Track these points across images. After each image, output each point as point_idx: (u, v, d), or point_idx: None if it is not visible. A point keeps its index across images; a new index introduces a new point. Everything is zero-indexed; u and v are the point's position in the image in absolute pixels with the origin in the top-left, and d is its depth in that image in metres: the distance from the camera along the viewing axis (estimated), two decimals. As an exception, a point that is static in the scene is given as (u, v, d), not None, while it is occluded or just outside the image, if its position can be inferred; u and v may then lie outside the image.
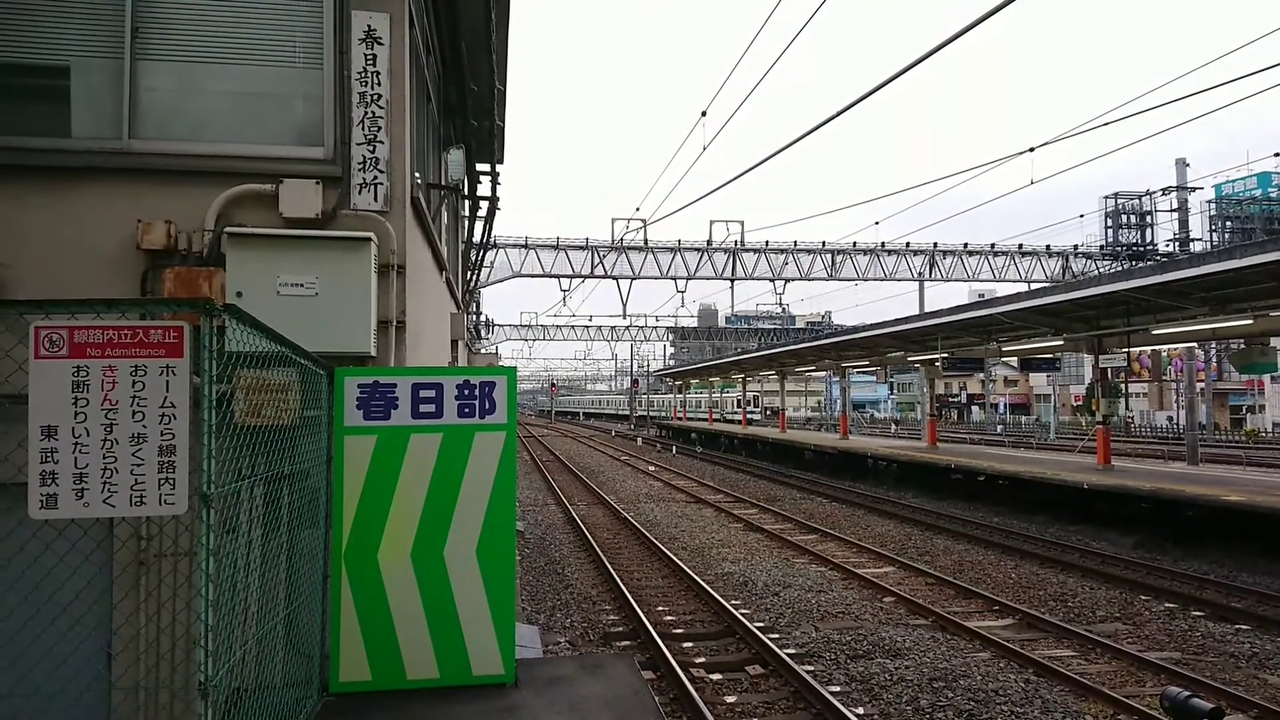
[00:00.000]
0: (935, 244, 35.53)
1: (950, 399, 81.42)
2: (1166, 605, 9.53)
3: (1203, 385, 33.34)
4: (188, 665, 4.17)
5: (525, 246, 30.39)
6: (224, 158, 4.96)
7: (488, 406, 4.31)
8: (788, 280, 35.29)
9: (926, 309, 31.32)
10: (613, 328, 55.92)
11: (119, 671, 4.15)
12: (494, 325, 51.90)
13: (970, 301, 23.74)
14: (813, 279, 35.37)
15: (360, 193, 5.05)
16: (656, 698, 6.47)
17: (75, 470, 2.70)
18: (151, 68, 4.97)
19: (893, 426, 59.57)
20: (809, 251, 34.83)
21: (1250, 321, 13.24)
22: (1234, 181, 53.53)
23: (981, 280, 37.04)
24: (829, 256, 35.23)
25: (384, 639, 4.23)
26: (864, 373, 43.45)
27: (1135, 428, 50.07)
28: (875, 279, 36.05)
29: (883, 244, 35.33)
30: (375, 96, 5.29)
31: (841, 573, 11.31)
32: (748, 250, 33.69)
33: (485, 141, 9.93)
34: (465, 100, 8.92)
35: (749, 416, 48.52)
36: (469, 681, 4.28)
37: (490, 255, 28.35)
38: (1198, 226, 43.64)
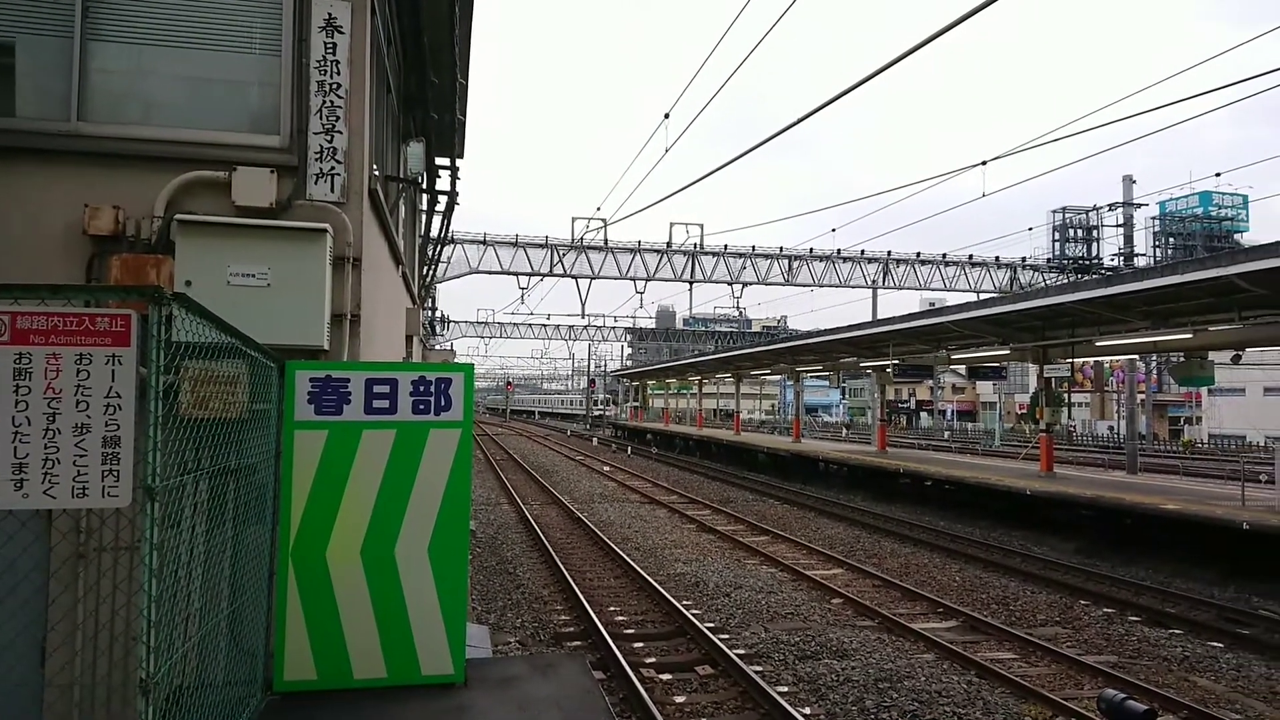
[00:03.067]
0: (889, 252, 36.14)
1: (900, 405, 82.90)
2: (1105, 610, 9.82)
3: (1143, 396, 34.45)
4: (127, 662, 4.06)
5: (484, 243, 30.15)
6: (176, 143, 4.84)
7: (443, 403, 4.28)
8: (745, 284, 35.58)
9: (879, 316, 31.83)
10: (571, 327, 55.84)
11: (54, 668, 4.02)
12: (450, 322, 51.39)
13: (921, 310, 24.21)
14: (770, 283, 35.71)
15: (316, 183, 4.97)
16: (606, 698, 6.48)
17: (15, 460, 2.62)
18: (102, 48, 4.83)
19: (844, 431, 60.38)
20: (767, 256, 35.16)
21: (1190, 335, 13.72)
22: (1177, 199, 55.44)
23: (933, 289, 37.77)
24: (786, 262, 35.60)
25: (330, 637, 4.17)
26: (817, 377, 44.04)
27: (1077, 436, 51.51)
28: (830, 285, 36.54)
29: (838, 251, 35.82)
30: (334, 86, 5.21)
31: (791, 574, 11.44)
32: (707, 253, 33.88)
33: (446, 135, 9.83)
34: (426, 93, 8.83)
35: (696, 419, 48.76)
36: (418, 681, 4.24)
37: (448, 251, 28.08)
38: (1142, 242, 45.12)
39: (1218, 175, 42.77)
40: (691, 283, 34.56)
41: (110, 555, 4.14)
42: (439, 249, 13.13)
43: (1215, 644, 8.43)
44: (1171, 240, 55.06)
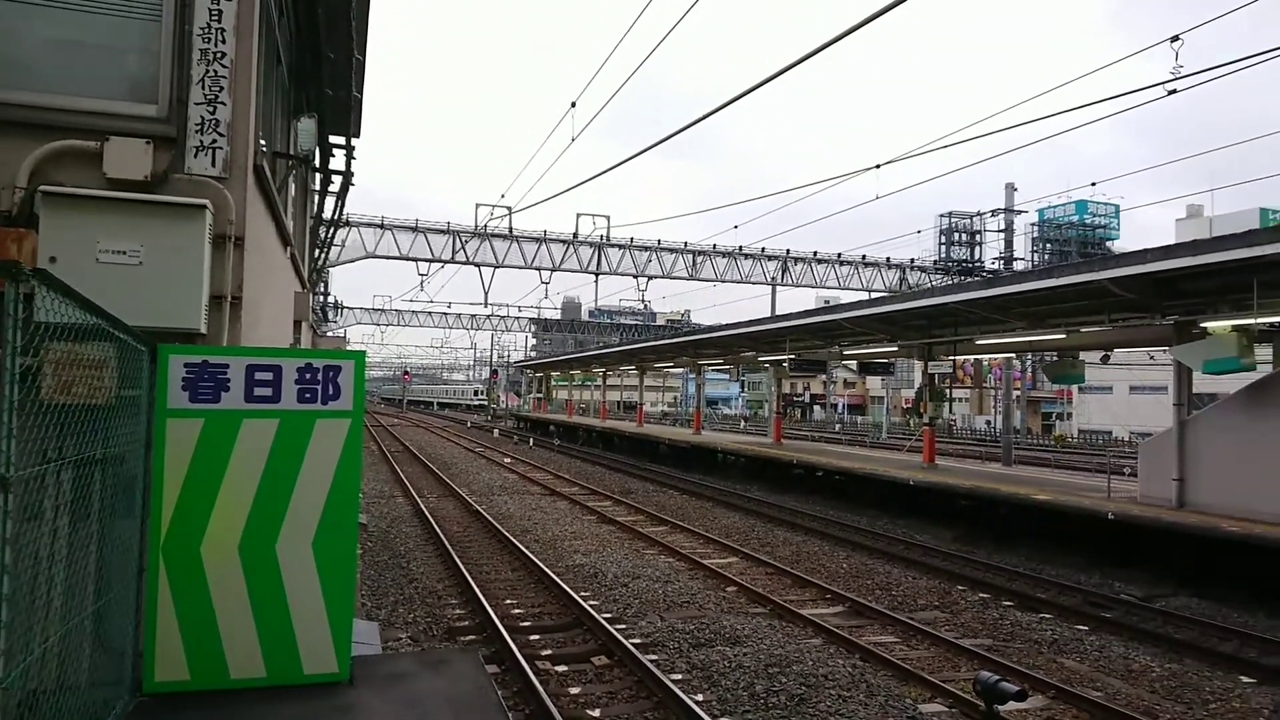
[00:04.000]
0: (788, 251, 37.02)
1: (795, 398, 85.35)
2: (981, 595, 10.38)
3: (1019, 393, 36.53)
4: (-28, 668, 3.74)
5: (381, 226, 29.19)
6: (43, 109, 4.49)
7: (331, 392, 4.11)
8: (650, 277, 35.76)
9: (778, 312, 32.62)
10: (473, 316, 54.80)
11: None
12: (344, 307, 49.65)
13: (817, 307, 24.94)
14: (674, 277, 36.01)
15: (196, 156, 4.70)
16: (500, 692, 6.42)
17: None
18: (-45, 2, 4.43)
19: (742, 423, 61.72)
20: (672, 251, 35.45)
21: (1063, 336, 14.62)
22: (1055, 207, 59.01)
23: (828, 287, 38.94)
24: (690, 257, 35.97)
25: (205, 636, 3.96)
26: (719, 371, 44.81)
27: (958, 430, 54.29)
28: (733, 281, 37.15)
29: (740, 248, 36.46)
30: (219, 55, 4.94)
31: (688, 563, 11.61)
32: (613, 245, 33.88)
33: (341, 113, 9.46)
34: (320, 68, 8.48)
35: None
36: (300, 680, 4.08)
37: (342, 234, 27.07)
38: (1022, 247, 47.82)
39: (1093, 185, 45.71)
40: (597, 274, 34.50)
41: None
42: (332, 231, 12.66)
43: (1081, 627, 9.02)
44: (1049, 246, 58.63)
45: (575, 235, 31.08)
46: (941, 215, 46.50)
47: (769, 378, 35.30)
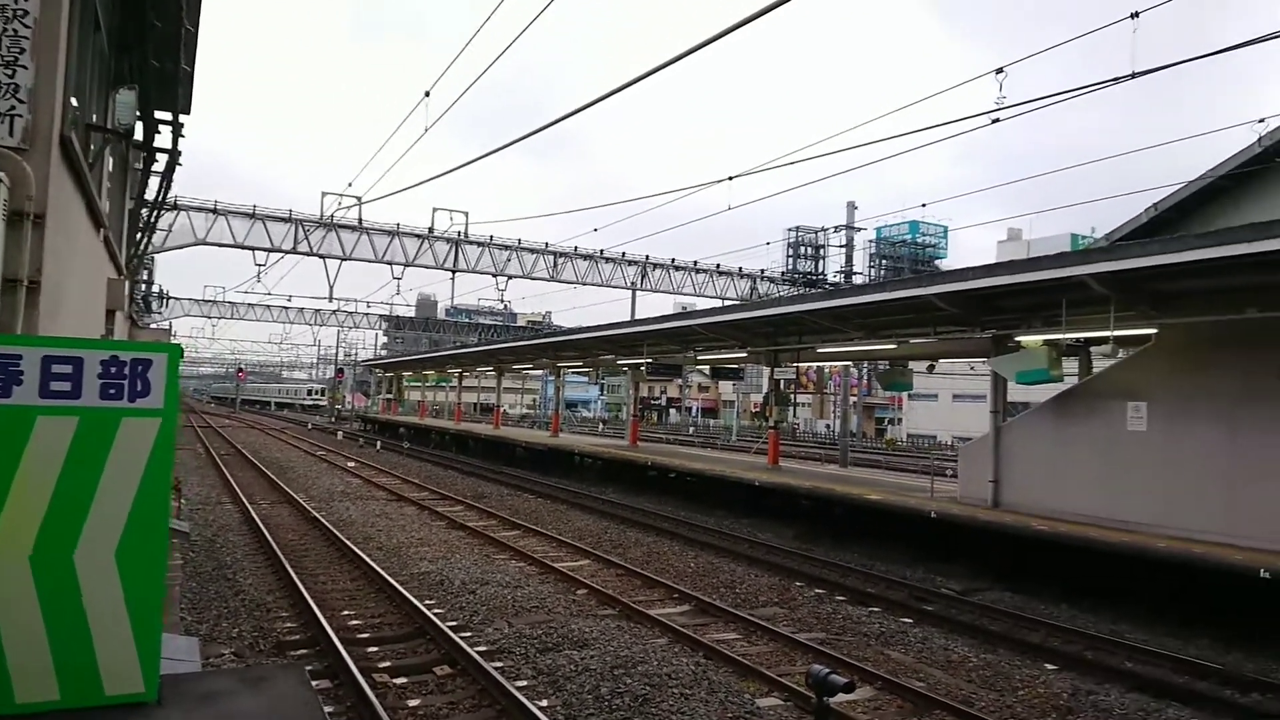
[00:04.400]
0: (647, 256, 37.59)
1: (652, 401, 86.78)
2: (817, 591, 10.88)
3: (855, 399, 38.72)
4: None
5: (214, 212, 27.19)
6: None
7: (140, 388, 3.75)
8: (510, 277, 35.29)
9: (637, 316, 33.03)
10: (317, 310, 52.18)
11: None
12: (170, 298, 46.03)
13: (674, 312, 25.44)
14: (535, 278, 35.71)
15: (-12, 123, 4.19)
16: (330, 708, 6.10)
17: None
18: None
19: (600, 425, 62.05)
20: (533, 251, 35.14)
21: (894, 346, 15.61)
22: (891, 226, 63.08)
23: (685, 294, 39.88)
24: (551, 258, 35.80)
25: (-16, 659, 3.50)
26: (578, 373, 44.79)
27: (801, 433, 56.95)
28: (593, 284, 37.28)
29: (601, 251, 36.66)
30: (19, 13, 4.44)
31: (540, 567, 11.50)
32: (471, 242, 33.18)
33: (168, 87, 8.71)
34: (146, 36, 7.79)
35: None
36: (100, 702, 3.68)
37: (169, 218, 25.06)
38: (861, 262, 50.74)
39: (923, 206, 49.30)
40: (454, 271, 33.66)
41: None
42: (156, 214, 11.65)
43: (906, 620, 9.62)
44: (885, 262, 62.57)
45: (431, 230, 30.20)
46: (790, 229, 48.67)
47: (628, 381, 35.67)
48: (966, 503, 12.82)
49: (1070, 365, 12.68)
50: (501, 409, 40.30)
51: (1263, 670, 7.89)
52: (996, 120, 9.90)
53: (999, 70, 9.47)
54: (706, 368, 29.00)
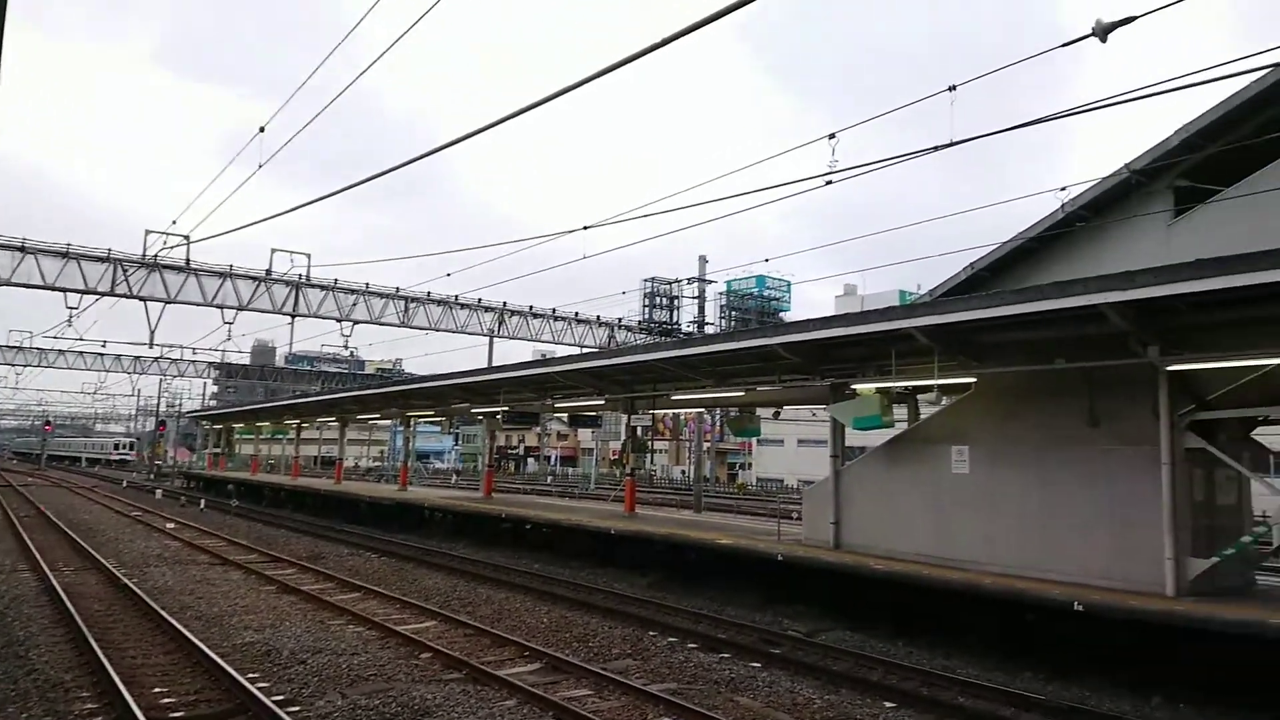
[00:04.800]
0: (505, 303, 37.20)
1: (510, 450, 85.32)
2: (669, 639, 10.81)
3: (709, 445, 39.59)
4: None
5: (22, 250, 24.61)
6: None
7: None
8: (357, 322, 33.85)
9: (495, 364, 32.47)
10: (137, 358, 48.00)
11: None
12: (-35, 343, 41.15)
13: (532, 359, 25.21)
14: (384, 323, 34.41)
15: None
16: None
17: None
18: None
19: (453, 477, 60.20)
20: (382, 295, 33.92)
21: (743, 393, 16.05)
22: (740, 280, 65.76)
23: (543, 341, 39.65)
24: (402, 303, 34.68)
25: None
26: (431, 422, 43.34)
27: (658, 479, 57.53)
28: (447, 330, 36.39)
29: (456, 297, 35.93)
30: None
31: (380, 631, 10.81)
32: (314, 286, 31.62)
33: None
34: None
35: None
36: None
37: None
38: (712, 313, 52.41)
39: (766, 260, 51.82)
40: (294, 316, 31.89)
41: None
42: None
43: (755, 664, 9.68)
44: (734, 313, 64.95)
45: (269, 272, 28.60)
46: (646, 280, 49.67)
47: (484, 430, 34.85)
48: (811, 544, 13.22)
49: (901, 412, 13.45)
50: (345, 462, 38.30)
51: (1079, 699, 8.47)
52: (830, 182, 10.50)
53: (832, 135, 10.07)
54: (565, 415, 28.81)
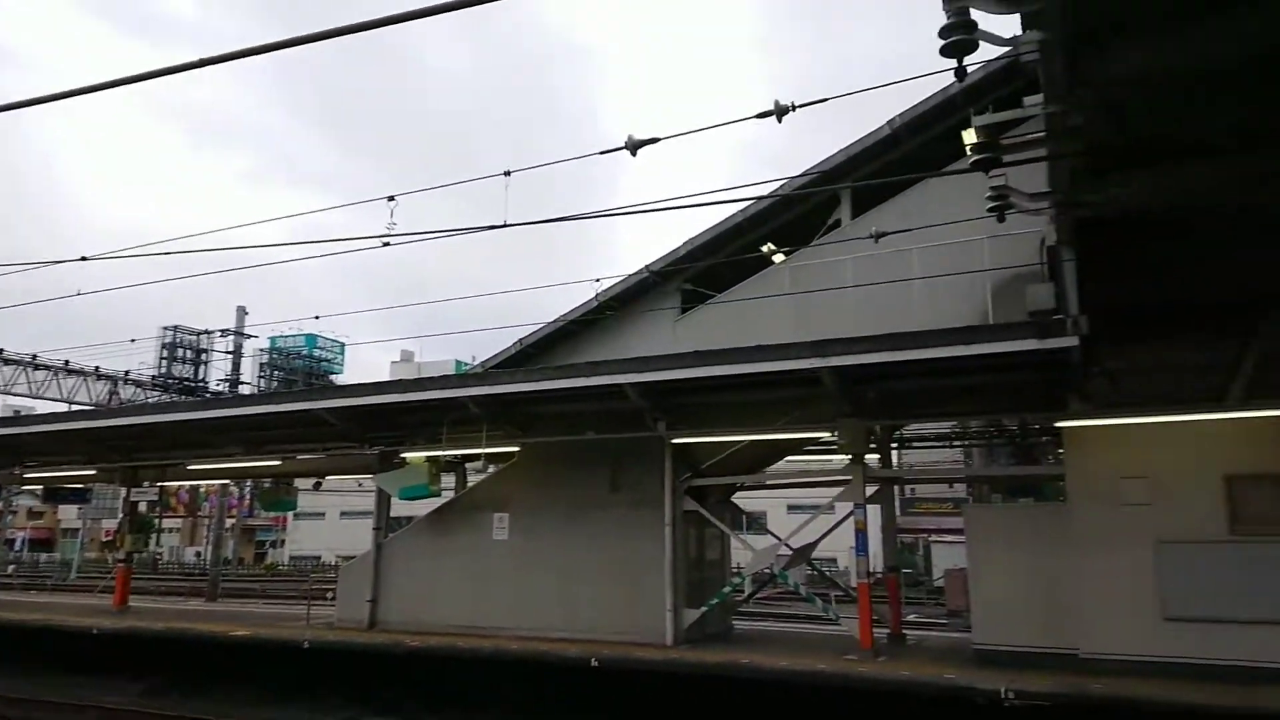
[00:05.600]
0: (-41, 345, 29.31)
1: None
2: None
3: (234, 521, 35.44)
4: None
5: None
6: None
7: None
8: None
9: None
10: None
11: None
12: None
13: (9, 416, 20.00)
14: None
15: None
16: None
17: None
18: None
19: None
20: None
21: (280, 462, 14.64)
22: (288, 336, 61.01)
23: (17, 394, 32.05)
24: None
25: None
26: None
27: (165, 564, 49.59)
28: None
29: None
30: None
31: None
32: None
33: None
34: None
35: None
36: None
37: None
38: (250, 371, 47.59)
39: (317, 318, 49.02)
40: None
41: None
42: None
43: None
44: (279, 373, 59.91)
45: None
46: (166, 327, 43.31)
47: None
48: (344, 626, 12.41)
49: (449, 481, 13.51)
50: None
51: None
52: (388, 244, 10.31)
53: (391, 198, 9.94)
54: (39, 489, 23.27)
